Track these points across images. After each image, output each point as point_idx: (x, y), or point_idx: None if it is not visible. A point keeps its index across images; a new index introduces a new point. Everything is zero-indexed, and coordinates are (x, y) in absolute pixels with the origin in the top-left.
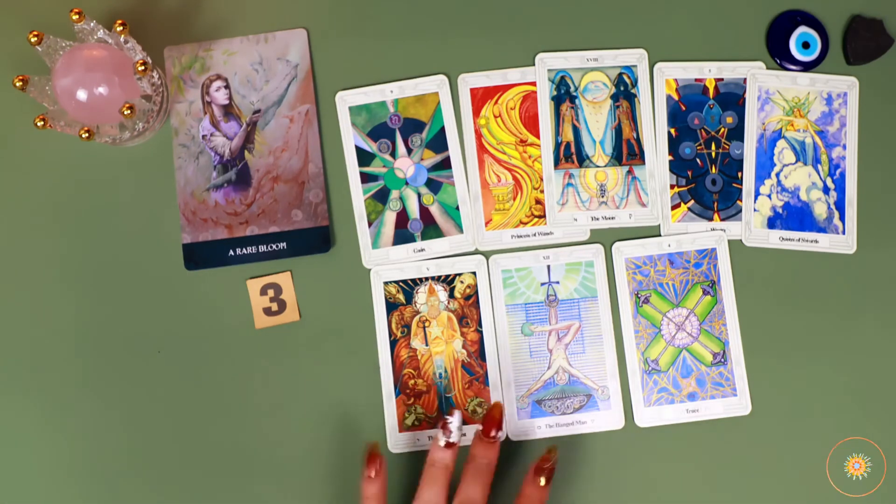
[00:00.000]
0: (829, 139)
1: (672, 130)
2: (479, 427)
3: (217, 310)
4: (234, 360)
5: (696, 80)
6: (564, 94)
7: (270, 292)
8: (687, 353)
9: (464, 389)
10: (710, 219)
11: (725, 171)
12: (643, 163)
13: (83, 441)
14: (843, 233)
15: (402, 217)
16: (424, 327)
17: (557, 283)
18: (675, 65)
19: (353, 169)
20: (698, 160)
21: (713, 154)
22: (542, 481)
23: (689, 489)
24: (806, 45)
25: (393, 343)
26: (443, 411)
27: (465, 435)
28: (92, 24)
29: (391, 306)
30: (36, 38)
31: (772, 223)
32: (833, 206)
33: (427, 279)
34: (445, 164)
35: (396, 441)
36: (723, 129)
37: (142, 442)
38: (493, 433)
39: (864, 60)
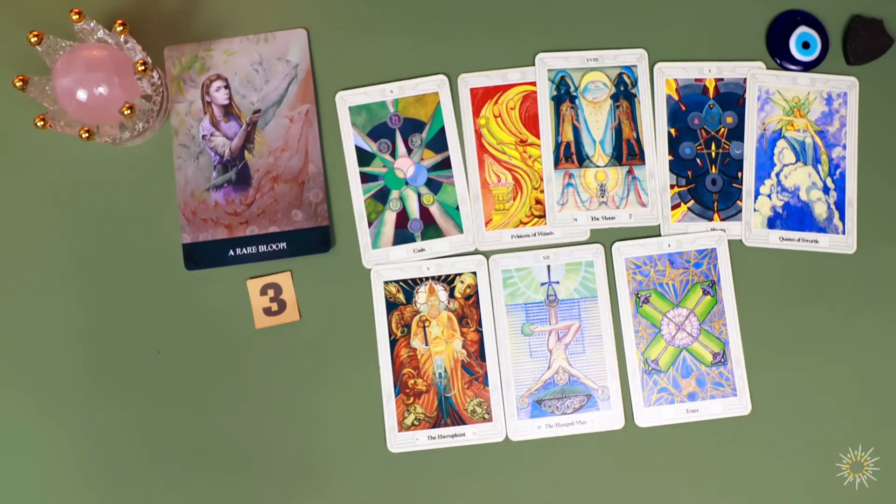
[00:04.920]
0: (829, 139)
1: (672, 130)
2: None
3: (217, 310)
4: (234, 360)
5: (696, 80)
6: (564, 94)
7: (270, 292)
8: (687, 353)
9: (464, 389)
10: (710, 219)
11: (725, 171)
12: (643, 163)
13: (83, 440)
14: (843, 233)
15: (402, 217)
16: (424, 327)
17: (557, 283)
18: (675, 65)
19: (353, 169)
20: (698, 160)
21: (713, 154)
22: None
23: (689, 489)
24: (806, 45)
25: (393, 343)
26: (442, 411)
27: None
28: (92, 24)
29: (391, 306)
30: (36, 38)
31: (772, 223)
32: (833, 206)
33: (427, 279)
34: (445, 164)
35: (396, 441)
36: (723, 129)
37: (141, 441)
38: None
39: (864, 60)
